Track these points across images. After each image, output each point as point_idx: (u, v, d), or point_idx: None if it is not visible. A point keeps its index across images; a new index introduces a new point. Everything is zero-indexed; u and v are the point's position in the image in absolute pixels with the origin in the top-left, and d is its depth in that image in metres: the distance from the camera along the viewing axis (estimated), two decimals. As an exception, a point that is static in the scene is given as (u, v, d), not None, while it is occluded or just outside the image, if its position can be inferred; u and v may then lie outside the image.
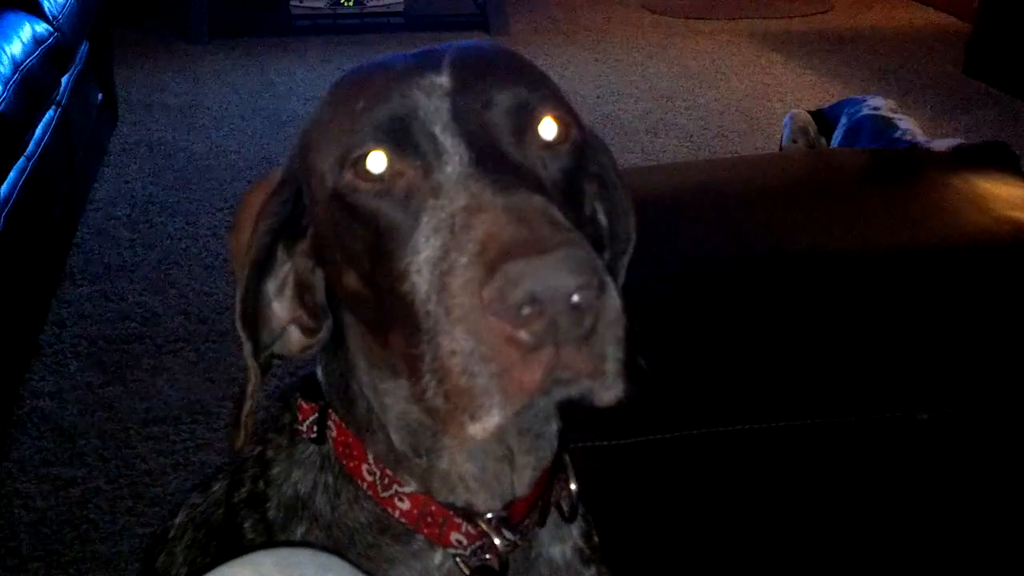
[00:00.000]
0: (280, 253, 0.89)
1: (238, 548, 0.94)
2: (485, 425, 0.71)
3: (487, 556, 0.91)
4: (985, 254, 1.64)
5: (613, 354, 0.71)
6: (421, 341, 0.74)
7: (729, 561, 1.49)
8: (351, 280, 0.83)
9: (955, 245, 1.66)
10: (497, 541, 0.90)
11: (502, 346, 0.68)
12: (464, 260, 0.70)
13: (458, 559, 0.91)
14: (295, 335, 0.92)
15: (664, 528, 1.46)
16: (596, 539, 1.04)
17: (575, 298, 0.67)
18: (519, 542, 0.92)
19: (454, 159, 0.77)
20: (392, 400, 0.89)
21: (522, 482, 0.92)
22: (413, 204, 0.77)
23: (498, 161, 0.77)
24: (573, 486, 0.98)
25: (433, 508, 0.90)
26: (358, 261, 0.81)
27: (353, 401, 0.92)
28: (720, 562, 1.48)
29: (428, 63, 0.83)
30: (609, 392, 0.73)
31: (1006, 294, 1.57)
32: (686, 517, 1.47)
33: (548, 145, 0.82)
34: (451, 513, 0.90)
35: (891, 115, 3.26)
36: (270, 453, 0.98)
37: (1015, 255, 1.64)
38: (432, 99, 0.80)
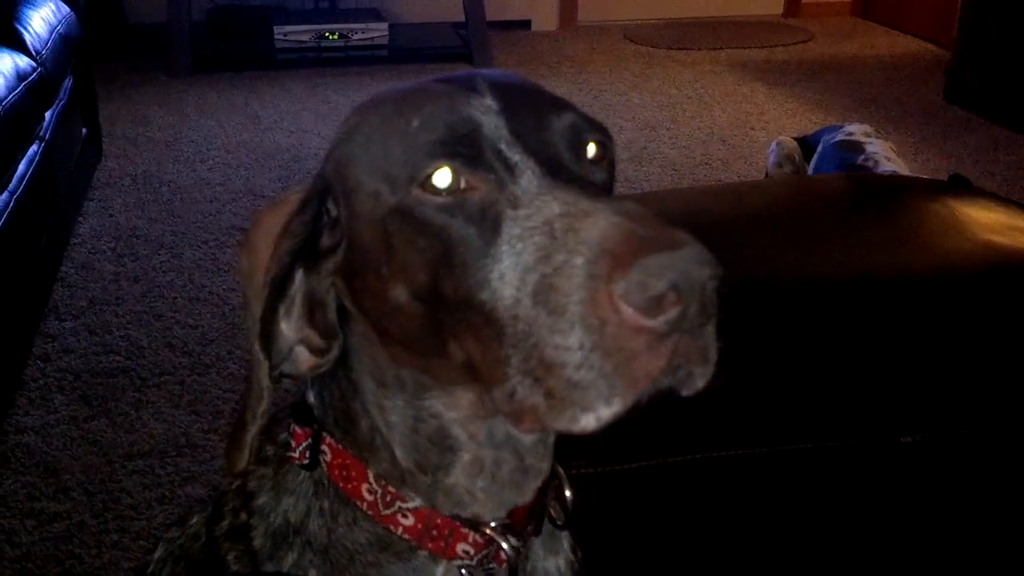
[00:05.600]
0: (296, 273, 0.90)
1: (221, 580, 0.94)
2: (601, 415, 0.73)
3: (492, 565, 0.93)
4: (964, 278, 1.64)
5: (714, 341, 0.76)
6: (503, 345, 0.76)
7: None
8: (399, 295, 0.84)
9: (934, 270, 1.66)
10: (505, 546, 0.92)
11: (632, 336, 0.71)
12: (580, 260, 0.72)
13: (464, 570, 0.92)
14: (304, 355, 0.93)
15: (650, 554, 1.45)
16: (580, 554, 1.06)
17: (707, 288, 0.72)
18: (521, 549, 0.94)
19: (527, 172, 0.80)
20: (399, 418, 0.91)
21: (529, 489, 0.94)
22: (489, 216, 0.79)
23: (569, 174, 0.81)
24: (568, 493, 1.00)
25: (439, 521, 0.91)
26: (414, 275, 0.83)
27: (355, 421, 0.93)
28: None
29: (466, 86, 0.87)
30: (704, 379, 0.77)
31: (986, 318, 1.57)
32: (671, 543, 1.46)
33: (593, 161, 0.87)
34: (457, 524, 0.92)
35: (863, 140, 3.29)
36: (252, 484, 0.98)
37: (994, 279, 1.64)
38: (489, 117, 0.84)
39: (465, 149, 0.82)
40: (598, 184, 0.85)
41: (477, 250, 0.79)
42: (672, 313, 0.70)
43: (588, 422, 0.73)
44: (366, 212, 0.86)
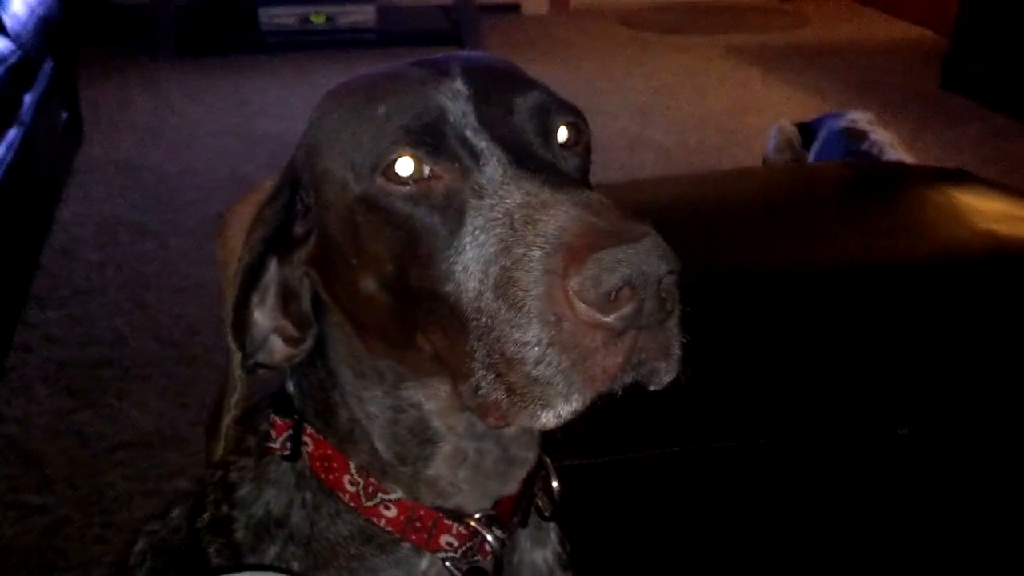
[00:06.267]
0: (269, 262, 0.90)
1: (203, 573, 0.93)
2: (560, 412, 0.73)
3: (477, 558, 0.92)
4: (964, 267, 1.63)
5: (678, 336, 0.75)
6: (468, 339, 0.76)
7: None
8: (368, 285, 0.83)
9: (933, 259, 1.65)
10: (490, 538, 0.92)
11: (587, 332, 0.70)
12: (537, 253, 0.71)
13: (448, 563, 0.92)
14: (278, 345, 0.93)
15: (640, 547, 1.43)
16: (568, 546, 1.05)
17: (664, 283, 0.71)
18: (507, 541, 0.93)
19: (492, 161, 0.79)
20: (378, 409, 0.90)
21: (514, 480, 0.93)
22: (454, 205, 0.78)
23: (536, 161, 0.80)
24: (555, 484, 1.00)
25: (422, 512, 0.91)
26: (381, 266, 0.82)
27: (334, 412, 0.92)
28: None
29: (438, 70, 0.85)
30: (669, 374, 0.76)
31: (985, 308, 1.56)
32: (662, 536, 1.45)
33: (565, 146, 0.86)
34: (440, 515, 0.91)
35: (867, 127, 3.26)
36: (234, 476, 0.97)
37: (994, 268, 1.63)
38: (457, 104, 0.82)
39: (429, 137, 0.80)
40: (569, 171, 0.84)
41: (442, 240, 0.78)
42: (627, 309, 0.70)
43: (548, 419, 0.73)
44: (334, 201, 0.85)
